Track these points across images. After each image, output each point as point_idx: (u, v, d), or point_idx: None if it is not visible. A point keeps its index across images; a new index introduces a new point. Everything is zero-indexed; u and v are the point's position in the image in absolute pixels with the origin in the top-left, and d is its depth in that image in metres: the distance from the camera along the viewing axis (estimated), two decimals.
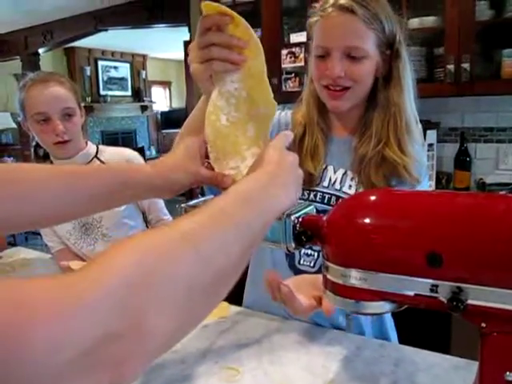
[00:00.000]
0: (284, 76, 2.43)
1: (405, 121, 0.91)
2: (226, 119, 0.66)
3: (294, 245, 0.56)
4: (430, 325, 1.58)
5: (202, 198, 0.69)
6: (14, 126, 7.00)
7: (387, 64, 0.92)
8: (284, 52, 2.40)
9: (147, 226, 1.46)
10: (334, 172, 0.97)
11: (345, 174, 0.96)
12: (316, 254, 0.96)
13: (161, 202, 1.45)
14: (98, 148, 1.39)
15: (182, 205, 0.68)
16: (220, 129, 0.66)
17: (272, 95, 0.69)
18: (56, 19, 5.57)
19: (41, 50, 6.31)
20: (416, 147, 0.94)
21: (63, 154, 1.33)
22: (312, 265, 0.96)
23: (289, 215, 0.56)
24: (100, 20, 5.11)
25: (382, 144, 0.91)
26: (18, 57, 6.51)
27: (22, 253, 1.60)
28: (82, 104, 1.38)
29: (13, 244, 4.24)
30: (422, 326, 1.25)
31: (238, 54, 0.64)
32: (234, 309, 1.07)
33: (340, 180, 0.96)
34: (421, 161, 0.95)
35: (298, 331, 0.94)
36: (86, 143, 1.37)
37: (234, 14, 0.63)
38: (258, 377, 0.79)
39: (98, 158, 1.37)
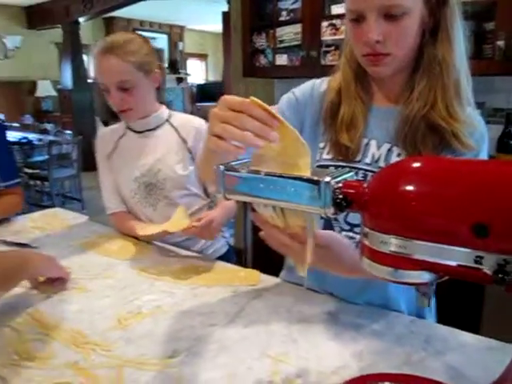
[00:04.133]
0: (323, 49, 2.36)
1: (454, 80, 0.81)
2: (280, 221, 0.69)
3: (332, 209, 0.55)
4: (461, 305, 1.55)
5: (242, 161, 0.68)
6: (54, 93, 7.17)
7: (434, 14, 0.80)
8: (324, 24, 2.33)
9: (207, 195, 1.45)
10: (378, 148, 0.89)
11: (390, 150, 0.88)
12: (358, 237, 0.89)
13: None
14: (169, 112, 1.42)
15: (221, 166, 0.67)
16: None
17: None
18: None
19: (81, 19, 6.38)
20: (468, 110, 0.84)
21: (128, 121, 1.37)
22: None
23: (328, 180, 0.55)
24: None
25: (427, 108, 0.82)
26: (58, 25, 6.60)
27: (60, 214, 1.66)
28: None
29: (51, 207, 4.39)
30: (453, 306, 1.22)
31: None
32: (265, 277, 1.07)
33: (385, 157, 0.88)
34: (476, 125, 0.84)
35: (329, 303, 0.93)
36: (162, 104, 1.40)
37: (283, 119, 0.60)
38: (286, 343, 0.80)
39: (170, 123, 1.39)
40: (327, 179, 0.56)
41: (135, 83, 1.28)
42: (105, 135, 1.45)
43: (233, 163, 0.67)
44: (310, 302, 0.94)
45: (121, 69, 1.25)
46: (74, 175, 5.01)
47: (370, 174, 0.89)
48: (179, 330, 0.84)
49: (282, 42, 2.48)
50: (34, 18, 7.04)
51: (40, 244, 1.31)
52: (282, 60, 2.50)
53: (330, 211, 0.55)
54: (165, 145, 1.37)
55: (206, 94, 9.06)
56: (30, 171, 4.94)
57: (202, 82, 9.83)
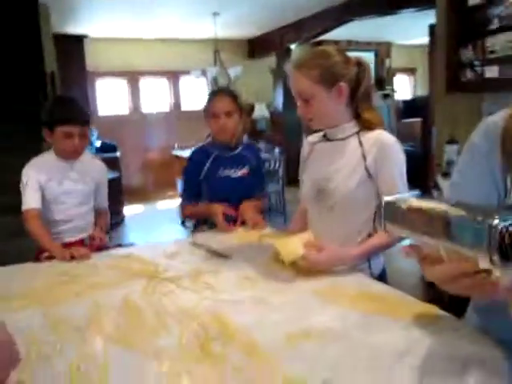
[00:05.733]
0: None
1: None
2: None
3: (497, 258, 0.49)
4: None
5: (404, 195, 0.66)
6: (267, 115, 7.94)
7: None
8: None
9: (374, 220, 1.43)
10: None
11: None
12: None
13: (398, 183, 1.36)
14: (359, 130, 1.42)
15: (385, 199, 0.67)
16: None
17: None
18: (306, 16, 6.00)
19: (292, 46, 6.91)
20: None
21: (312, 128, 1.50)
22: None
23: (495, 223, 0.49)
24: (346, 11, 5.25)
25: None
26: (273, 53, 7.30)
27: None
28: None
29: None
30: None
31: None
32: (444, 315, 0.98)
33: None
34: None
35: None
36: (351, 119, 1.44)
37: None
38: None
39: (358, 137, 1.39)
40: (495, 222, 0.50)
41: (312, 95, 1.36)
42: (308, 140, 1.59)
43: (396, 197, 0.66)
44: (494, 352, 0.82)
45: (298, 82, 1.37)
46: (278, 190, 5.44)
47: None
48: (342, 356, 0.85)
49: (492, 52, 2.22)
50: (254, 49, 7.95)
51: (236, 255, 1.48)
52: (492, 73, 2.24)
53: (495, 260, 0.49)
54: (345, 157, 1.40)
55: (412, 109, 8.67)
56: None
57: (409, 97, 9.46)
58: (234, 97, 1.94)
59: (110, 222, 2.11)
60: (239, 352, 0.88)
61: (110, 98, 7.46)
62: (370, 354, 0.85)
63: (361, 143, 1.39)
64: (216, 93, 2.00)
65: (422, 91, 9.34)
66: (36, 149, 2.99)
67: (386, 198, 0.66)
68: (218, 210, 1.81)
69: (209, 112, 1.94)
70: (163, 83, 7.88)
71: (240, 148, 2.02)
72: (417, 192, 0.67)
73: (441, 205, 0.58)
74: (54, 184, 1.82)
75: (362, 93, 1.39)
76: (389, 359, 0.82)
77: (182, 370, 0.83)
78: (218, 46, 6.20)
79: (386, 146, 1.35)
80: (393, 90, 9.01)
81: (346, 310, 1.04)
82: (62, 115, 1.77)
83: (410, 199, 0.64)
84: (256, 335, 0.94)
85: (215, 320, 1.02)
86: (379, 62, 8.73)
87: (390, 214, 0.64)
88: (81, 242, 1.84)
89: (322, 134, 1.52)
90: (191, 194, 2.00)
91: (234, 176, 1.96)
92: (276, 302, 1.11)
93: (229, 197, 1.88)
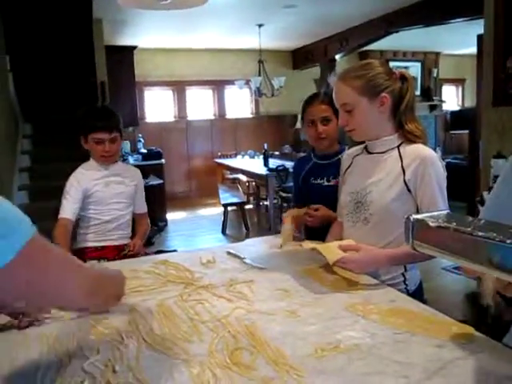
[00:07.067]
0: None
1: None
2: None
3: None
4: None
5: (433, 213, 0.65)
6: None
7: None
8: None
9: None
10: None
11: None
12: None
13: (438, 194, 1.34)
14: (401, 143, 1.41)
15: (412, 217, 0.67)
16: None
17: None
18: (350, 27, 5.97)
19: (337, 56, 6.89)
20: None
21: (354, 139, 1.50)
22: None
23: None
24: (390, 23, 5.18)
25: None
26: (317, 64, 7.31)
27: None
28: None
29: None
30: None
31: None
32: (481, 337, 0.96)
33: None
34: None
35: None
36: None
37: None
38: None
39: (399, 150, 1.39)
40: None
41: (355, 105, 1.37)
42: (348, 153, 1.60)
43: (425, 215, 0.66)
44: None
45: (342, 92, 1.39)
46: None
47: None
48: (369, 374, 0.84)
49: None
50: (297, 60, 8.00)
51: (270, 265, 1.49)
52: None
53: None
54: (384, 170, 1.39)
55: (461, 120, 8.42)
56: (283, 195, 5.58)
57: (457, 108, 9.19)
58: (331, 102, 1.83)
59: (149, 226, 2.16)
60: (267, 362, 0.89)
61: (156, 106, 7.72)
62: (398, 371, 0.84)
63: (401, 156, 1.38)
64: (312, 98, 1.90)
65: (471, 102, 9.05)
66: (84, 156, 3.13)
67: (415, 216, 0.66)
68: (287, 215, 1.77)
69: (305, 119, 1.90)
70: (208, 92, 8.06)
71: (340, 155, 1.88)
72: (447, 211, 0.66)
73: (470, 225, 0.58)
74: (100, 187, 1.91)
75: (404, 106, 1.39)
76: (417, 378, 0.81)
77: (210, 376, 0.85)
78: (262, 56, 6.27)
79: (425, 161, 1.33)
80: (440, 101, 8.79)
81: (376, 326, 1.03)
82: (92, 124, 1.89)
83: (440, 218, 0.63)
84: (285, 347, 0.95)
85: (246, 330, 1.03)
86: (426, 72, 8.55)
87: (419, 232, 0.64)
88: (114, 248, 1.92)
89: (362, 146, 1.52)
90: (296, 198, 2.10)
91: (325, 184, 1.90)
92: (307, 315, 1.11)
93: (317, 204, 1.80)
